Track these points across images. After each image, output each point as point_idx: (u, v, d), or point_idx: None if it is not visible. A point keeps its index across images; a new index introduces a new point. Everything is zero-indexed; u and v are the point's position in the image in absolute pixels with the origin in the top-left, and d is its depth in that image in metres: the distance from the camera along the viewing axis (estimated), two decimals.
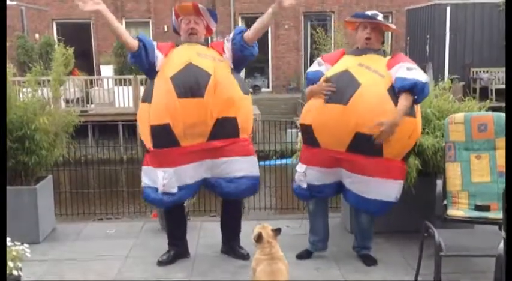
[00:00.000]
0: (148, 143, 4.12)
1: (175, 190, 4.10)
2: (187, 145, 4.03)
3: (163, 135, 4.01)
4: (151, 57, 4.07)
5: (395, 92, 3.86)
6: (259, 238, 3.43)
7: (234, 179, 4.16)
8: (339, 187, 4.18)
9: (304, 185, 4.19)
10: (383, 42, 4.35)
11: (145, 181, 4.23)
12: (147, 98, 4.12)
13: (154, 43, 4.16)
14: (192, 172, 4.12)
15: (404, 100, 3.82)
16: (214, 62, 4.09)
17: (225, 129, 4.05)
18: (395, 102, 3.83)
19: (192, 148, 4.04)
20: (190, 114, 3.95)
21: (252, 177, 4.24)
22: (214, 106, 3.98)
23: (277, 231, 3.46)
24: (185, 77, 3.98)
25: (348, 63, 4.06)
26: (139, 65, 4.10)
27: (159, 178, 4.10)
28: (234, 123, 4.09)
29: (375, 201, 4.04)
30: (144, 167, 4.24)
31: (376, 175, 3.95)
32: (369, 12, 4.16)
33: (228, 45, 4.17)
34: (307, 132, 4.11)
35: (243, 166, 4.17)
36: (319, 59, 4.35)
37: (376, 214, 4.21)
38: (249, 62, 4.31)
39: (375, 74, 3.93)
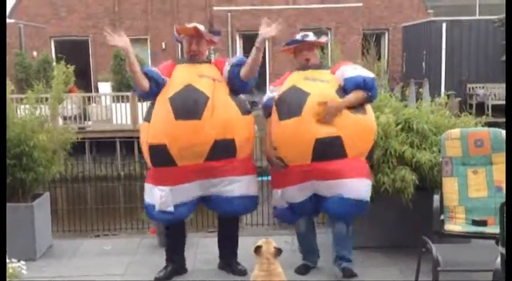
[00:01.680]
0: (148, 161, 4.21)
1: (171, 208, 4.11)
2: (183, 165, 4.03)
3: (160, 155, 4.05)
4: (161, 86, 4.12)
5: (344, 91, 4.05)
6: (257, 250, 3.41)
7: (230, 198, 4.16)
8: (317, 198, 4.17)
9: (286, 205, 4.26)
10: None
11: (146, 197, 4.26)
12: (147, 117, 4.18)
13: (156, 69, 4.18)
14: (188, 191, 4.13)
15: (352, 94, 4.03)
16: (213, 83, 4.10)
17: (222, 150, 4.05)
18: None
19: (189, 168, 4.05)
20: (187, 136, 3.96)
21: (248, 196, 4.25)
22: (212, 128, 3.98)
23: (278, 250, 3.44)
24: (183, 98, 4.01)
25: (295, 79, 4.23)
26: (150, 98, 4.21)
27: (155, 196, 4.12)
28: (231, 144, 4.09)
29: (349, 202, 4.01)
30: (145, 184, 4.30)
31: (346, 175, 3.99)
32: (298, 36, 4.31)
33: (226, 69, 4.18)
34: (273, 154, 4.23)
35: (239, 185, 4.17)
36: (270, 87, 4.52)
37: (351, 216, 4.16)
38: (251, 87, 4.34)
39: (321, 83, 4.11)
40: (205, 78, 4.10)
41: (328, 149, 3.96)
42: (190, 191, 4.13)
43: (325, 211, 4.33)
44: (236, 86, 4.18)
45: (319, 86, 4.09)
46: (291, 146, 4.06)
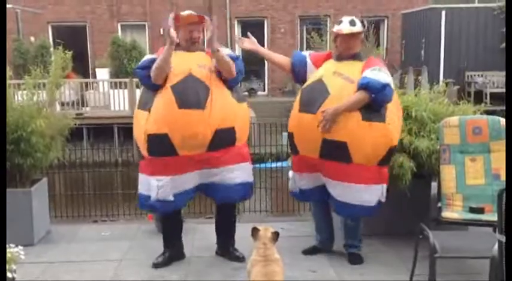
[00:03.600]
0: (144, 151, 4.12)
1: (171, 198, 4.11)
2: (185, 154, 4.02)
3: (161, 145, 4.00)
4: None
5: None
6: (254, 233, 3.44)
7: (230, 185, 4.18)
8: (325, 189, 4.23)
9: (297, 190, 4.39)
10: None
11: (140, 187, 4.24)
12: (146, 105, 4.08)
13: (154, 56, 4.10)
14: (188, 180, 4.13)
15: (356, 94, 3.94)
16: (211, 73, 4.09)
17: (223, 139, 4.07)
18: (362, 110, 3.94)
19: (190, 157, 4.04)
20: (189, 126, 3.94)
21: (247, 183, 4.29)
22: (213, 118, 3.99)
23: (275, 234, 3.45)
24: (186, 88, 3.98)
25: (325, 71, 4.18)
26: (156, 88, 4.07)
27: (152, 186, 4.10)
28: (232, 133, 4.11)
29: (353, 206, 4.10)
30: (139, 174, 4.26)
31: (349, 180, 4.03)
32: (346, 22, 4.18)
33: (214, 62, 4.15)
34: (290, 139, 4.30)
35: (238, 173, 4.20)
36: (308, 53, 4.50)
37: (357, 217, 4.28)
38: (237, 84, 4.32)
39: (346, 81, 4.04)
40: (204, 68, 4.09)
41: (334, 151, 3.98)
42: (191, 180, 4.13)
43: (333, 207, 4.37)
44: (225, 80, 4.17)
45: (343, 85, 4.03)
46: (303, 138, 4.15)
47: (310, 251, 4.52)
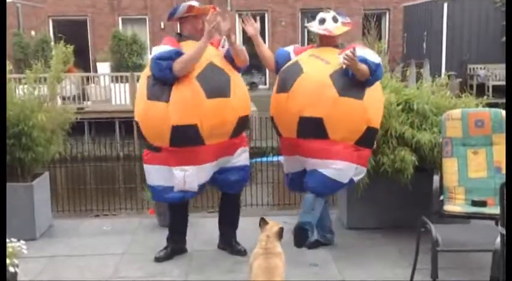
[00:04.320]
0: (163, 142, 4.02)
1: (196, 187, 4.14)
2: (211, 143, 4.05)
3: (188, 135, 3.96)
4: None
5: (341, 75, 3.99)
6: (261, 224, 3.47)
7: (239, 168, 4.32)
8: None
9: (288, 177, 4.47)
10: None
11: (156, 180, 4.17)
12: (161, 97, 3.95)
13: (175, 48, 4.02)
14: (210, 170, 4.20)
15: (363, 66, 3.95)
16: (224, 60, 4.15)
17: (242, 126, 4.23)
18: (339, 87, 3.96)
19: (215, 146, 4.08)
20: (218, 114, 3.98)
21: (247, 166, 4.44)
22: (237, 105, 4.09)
23: (280, 229, 3.43)
24: (210, 77, 4.00)
25: (305, 54, 4.28)
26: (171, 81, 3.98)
27: (176, 177, 4.06)
28: (247, 120, 4.33)
29: (323, 175, 4.06)
30: (151, 166, 4.17)
31: (325, 156, 4.03)
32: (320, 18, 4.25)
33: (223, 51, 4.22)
34: (272, 122, 4.40)
35: (243, 156, 4.36)
36: (293, 47, 4.52)
37: (322, 191, 4.15)
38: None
39: (321, 62, 4.11)
40: (219, 57, 4.15)
41: (311, 128, 4.02)
42: (212, 169, 4.22)
43: (306, 188, 4.28)
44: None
45: (318, 65, 4.11)
46: (280, 119, 4.26)
47: (312, 245, 4.49)
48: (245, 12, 4.13)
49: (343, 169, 4.05)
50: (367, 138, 4.11)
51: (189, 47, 4.01)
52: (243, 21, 4.37)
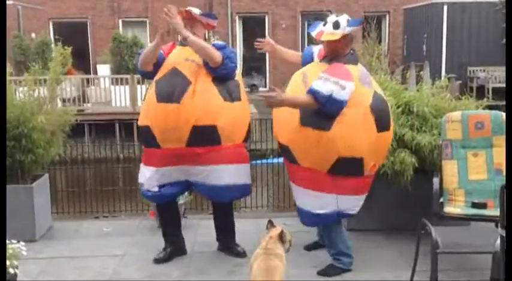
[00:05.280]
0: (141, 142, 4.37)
1: (155, 189, 4.21)
2: (167, 147, 4.08)
3: (146, 136, 4.16)
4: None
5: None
6: (268, 226, 3.52)
7: (215, 187, 4.13)
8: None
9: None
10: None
11: (139, 176, 4.38)
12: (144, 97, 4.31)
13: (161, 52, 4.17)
14: (171, 174, 4.19)
15: (305, 96, 3.68)
16: (199, 68, 4.07)
17: (202, 136, 4.01)
18: (303, 114, 3.73)
19: (172, 151, 4.08)
20: (166, 119, 4.00)
21: (236, 185, 4.19)
22: (191, 113, 3.96)
23: (281, 236, 3.45)
24: (166, 82, 4.05)
25: (300, 70, 4.09)
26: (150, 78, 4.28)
27: (146, 175, 4.25)
28: (212, 131, 4.01)
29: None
30: (142, 165, 4.36)
31: (296, 182, 4.02)
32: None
33: None
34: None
35: (224, 174, 4.11)
36: (318, 48, 4.24)
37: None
38: (231, 74, 4.17)
39: (302, 84, 3.87)
40: (191, 63, 4.08)
41: (284, 154, 4.02)
42: (174, 174, 4.19)
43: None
44: (212, 72, 4.07)
45: (298, 87, 3.88)
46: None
47: (311, 247, 4.51)
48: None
49: (319, 202, 3.88)
50: (342, 167, 3.77)
51: (172, 53, 4.20)
52: (257, 45, 4.55)
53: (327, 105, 3.64)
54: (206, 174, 4.11)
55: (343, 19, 3.81)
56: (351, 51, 3.92)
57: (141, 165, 4.33)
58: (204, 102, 4.00)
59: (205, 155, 4.05)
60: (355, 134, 3.72)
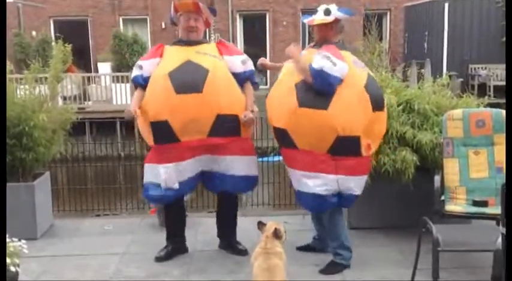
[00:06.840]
0: (150, 140, 4.14)
1: (176, 185, 4.10)
2: (186, 140, 4.00)
3: (163, 132, 4.00)
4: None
5: (306, 84, 3.78)
6: (259, 227, 3.50)
7: (232, 177, 4.16)
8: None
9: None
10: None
11: (148, 177, 4.21)
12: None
13: (146, 62, 4.17)
14: (191, 167, 4.12)
15: (307, 65, 3.78)
16: (214, 59, 4.07)
17: (225, 126, 4.01)
18: (301, 96, 3.77)
19: (192, 143, 4.02)
20: (188, 110, 3.91)
21: (250, 177, 4.26)
22: (214, 102, 3.95)
23: (275, 233, 3.45)
24: (183, 73, 3.96)
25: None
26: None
27: (161, 174, 4.09)
28: (235, 121, 4.06)
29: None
30: (146, 165, 4.25)
31: (298, 167, 3.94)
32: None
33: (238, 68, 4.18)
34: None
35: (241, 165, 4.17)
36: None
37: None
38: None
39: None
40: (205, 55, 4.07)
41: (281, 139, 4.01)
42: (192, 167, 4.12)
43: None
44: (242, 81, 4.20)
45: (291, 72, 3.93)
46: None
47: (303, 248, 4.44)
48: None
49: (321, 182, 3.86)
50: (341, 147, 3.79)
51: (169, 53, 4.12)
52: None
53: (318, 79, 3.70)
54: (225, 164, 4.13)
55: (333, 6, 3.96)
56: (340, 41, 4.03)
57: (151, 166, 4.17)
58: (227, 90, 4.03)
59: (227, 146, 4.07)
60: (353, 113, 3.79)
